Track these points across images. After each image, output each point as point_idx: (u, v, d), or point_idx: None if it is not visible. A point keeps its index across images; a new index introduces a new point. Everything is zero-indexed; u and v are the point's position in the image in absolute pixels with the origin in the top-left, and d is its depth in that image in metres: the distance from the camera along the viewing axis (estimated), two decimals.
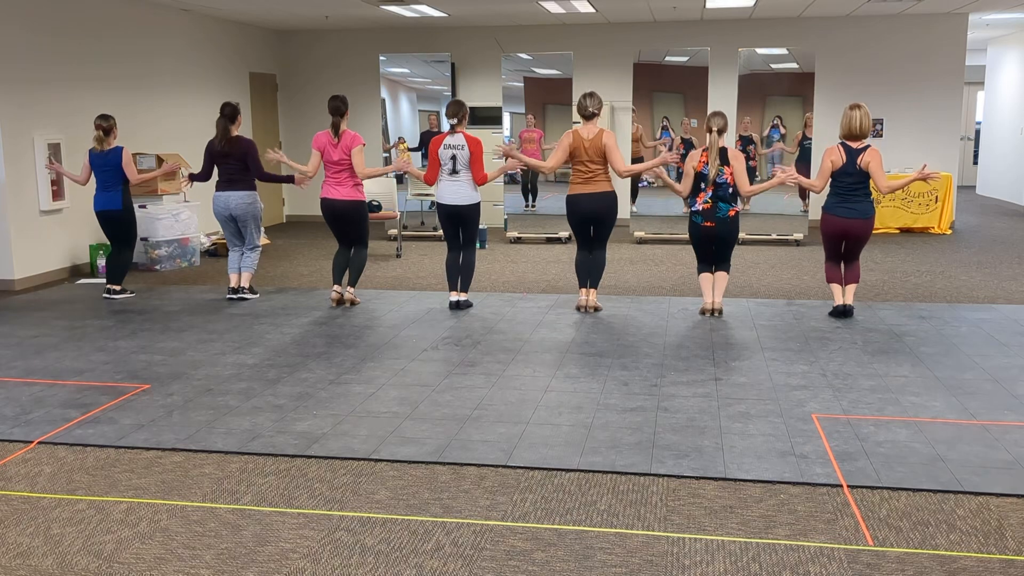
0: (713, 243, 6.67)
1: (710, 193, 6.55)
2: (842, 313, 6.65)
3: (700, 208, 6.60)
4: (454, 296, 7.07)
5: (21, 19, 8.08)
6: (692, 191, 6.67)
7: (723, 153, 6.53)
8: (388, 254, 10.06)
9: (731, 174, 6.52)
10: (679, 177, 10.76)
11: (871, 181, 6.43)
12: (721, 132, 6.50)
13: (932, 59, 11.64)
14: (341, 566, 3.07)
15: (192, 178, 7.54)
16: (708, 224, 6.59)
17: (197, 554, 3.17)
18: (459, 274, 7.05)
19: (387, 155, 11.45)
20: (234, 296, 7.45)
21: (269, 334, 6.31)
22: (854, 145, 6.46)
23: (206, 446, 4.18)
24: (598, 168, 6.64)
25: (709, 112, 6.92)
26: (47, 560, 3.14)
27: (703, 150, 6.59)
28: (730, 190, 6.55)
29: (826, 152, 6.52)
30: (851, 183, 6.45)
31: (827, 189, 6.87)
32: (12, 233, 8.06)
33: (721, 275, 6.78)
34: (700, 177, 6.59)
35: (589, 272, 6.89)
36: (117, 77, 9.37)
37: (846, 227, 6.49)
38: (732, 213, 6.57)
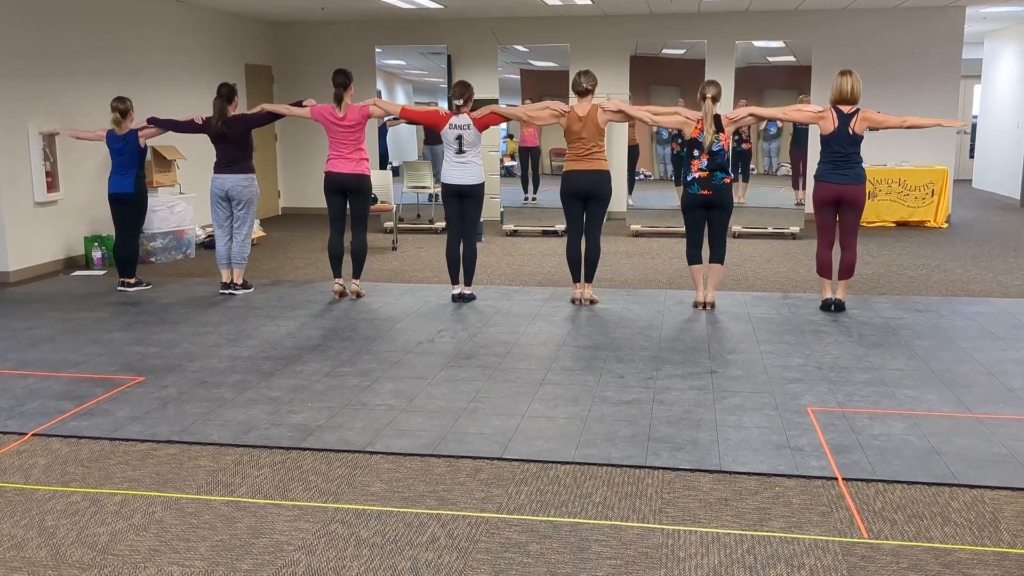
0: (709, 213, 6.59)
1: (705, 162, 6.47)
2: (831, 308, 6.62)
3: (696, 176, 6.51)
4: (457, 289, 7.04)
5: (15, 11, 8.04)
6: (686, 160, 6.60)
7: (717, 120, 6.47)
8: (384, 247, 10.04)
9: (727, 140, 6.48)
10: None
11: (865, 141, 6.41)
12: (715, 100, 6.44)
13: (929, 52, 11.63)
14: (336, 558, 3.07)
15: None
16: (705, 192, 6.50)
17: (192, 546, 3.16)
18: (461, 267, 7.03)
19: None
20: (226, 291, 7.40)
21: (264, 327, 6.29)
22: (845, 110, 6.37)
23: (201, 438, 4.18)
24: (594, 145, 6.60)
25: (704, 80, 6.86)
26: (41, 552, 3.13)
27: (698, 118, 6.53)
28: (726, 157, 6.49)
29: (823, 109, 6.45)
30: (843, 149, 6.34)
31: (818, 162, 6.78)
32: (7, 225, 8.03)
33: (715, 268, 6.72)
34: (694, 144, 6.51)
35: (584, 266, 6.86)
36: (112, 69, 9.33)
37: (839, 192, 6.38)
38: (727, 181, 6.53)
